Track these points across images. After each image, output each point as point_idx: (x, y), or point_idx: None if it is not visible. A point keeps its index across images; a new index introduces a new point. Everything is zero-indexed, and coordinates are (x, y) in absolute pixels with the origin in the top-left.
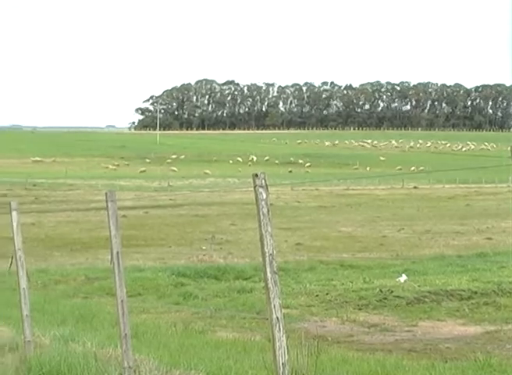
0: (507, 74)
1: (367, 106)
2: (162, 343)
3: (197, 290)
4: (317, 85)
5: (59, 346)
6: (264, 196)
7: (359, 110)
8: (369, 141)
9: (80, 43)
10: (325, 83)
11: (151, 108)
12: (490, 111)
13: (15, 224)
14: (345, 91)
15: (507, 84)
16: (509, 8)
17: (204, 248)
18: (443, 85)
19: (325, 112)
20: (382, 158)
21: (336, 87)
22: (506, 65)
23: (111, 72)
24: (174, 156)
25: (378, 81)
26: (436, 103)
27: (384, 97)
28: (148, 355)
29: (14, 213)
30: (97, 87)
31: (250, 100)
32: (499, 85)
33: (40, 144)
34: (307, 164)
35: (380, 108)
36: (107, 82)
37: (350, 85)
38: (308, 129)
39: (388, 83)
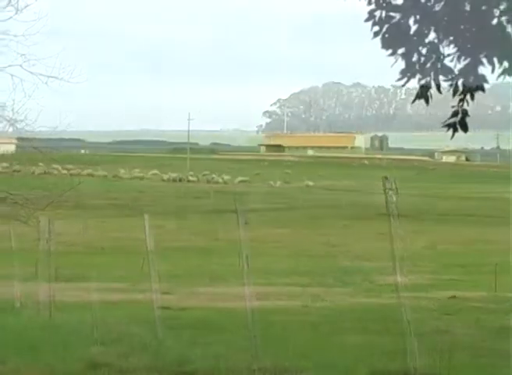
0: None
1: (498, 108)
2: None
3: None
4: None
5: None
6: None
7: (489, 112)
8: None
9: (208, 51)
10: None
11: (279, 111)
12: None
13: None
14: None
15: None
16: None
17: None
18: None
19: None
20: None
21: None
22: None
23: (238, 75)
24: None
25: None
26: None
27: None
28: None
29: None
30: (225, 90)
31: (378, 102)
32: None
33: None
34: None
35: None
36: (235, 85)
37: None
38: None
39: None
